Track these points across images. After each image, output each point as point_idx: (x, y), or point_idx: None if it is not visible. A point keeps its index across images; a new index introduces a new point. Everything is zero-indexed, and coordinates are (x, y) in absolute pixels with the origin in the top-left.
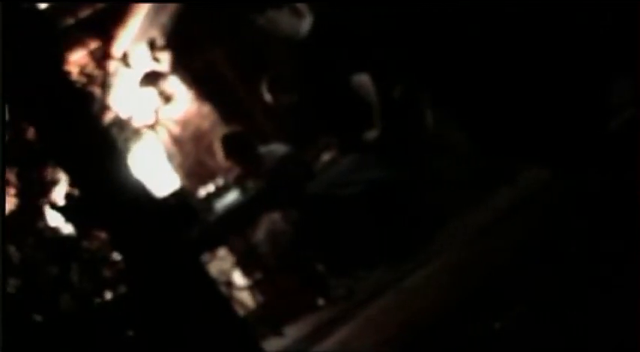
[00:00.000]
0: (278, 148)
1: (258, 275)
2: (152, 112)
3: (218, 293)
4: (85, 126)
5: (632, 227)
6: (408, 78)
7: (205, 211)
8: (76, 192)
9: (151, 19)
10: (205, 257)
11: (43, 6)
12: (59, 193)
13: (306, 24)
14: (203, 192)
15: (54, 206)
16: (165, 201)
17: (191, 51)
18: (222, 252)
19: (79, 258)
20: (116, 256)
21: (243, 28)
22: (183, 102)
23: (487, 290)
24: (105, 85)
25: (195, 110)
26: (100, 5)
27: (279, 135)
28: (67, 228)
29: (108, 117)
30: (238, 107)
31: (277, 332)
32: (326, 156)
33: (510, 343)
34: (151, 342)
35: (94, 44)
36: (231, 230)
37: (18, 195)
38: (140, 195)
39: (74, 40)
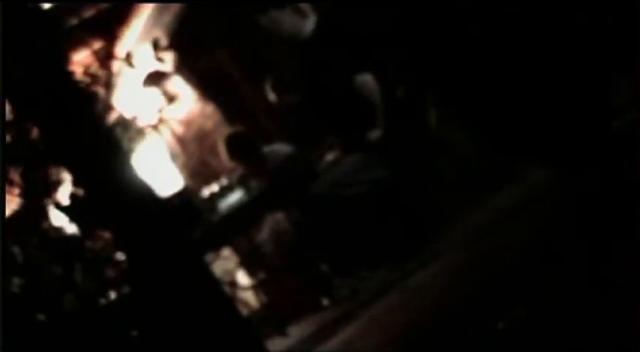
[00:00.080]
0: (282, 148)
1: (262, 275)
2: (156, 112)
3: (222, 293)
4: (89, 126)
5: (632, 227)
6: (411, 78)
7: (209, 211)
8: (80, 191)
9: (155, 19)
10: (209, 257)
11: (47, 6)
12: (63, 193)
13: (309, 24)
14: (207, 191)
15: (58, 206)
16: (169, 200)
17: (195, 51)
18: (226, 251)
19: (83, 257)
20: (120, 256)
21: (246, 28)
22: (186, 102)
23: (490, 290)
24: (109, 85)
25: (199, 110)
26: (103, 5)
27: (283, 135)
28: (71, 228)
29: (112, 117)
30: (242, 107)
31: (281, 332)
32: (329, 156)
33: (513, 343)
34: (154, 342)
35: (97, 44)
36: (234, 230)
37: (22, 194)
38: (144, 195)
39: (78, 40)
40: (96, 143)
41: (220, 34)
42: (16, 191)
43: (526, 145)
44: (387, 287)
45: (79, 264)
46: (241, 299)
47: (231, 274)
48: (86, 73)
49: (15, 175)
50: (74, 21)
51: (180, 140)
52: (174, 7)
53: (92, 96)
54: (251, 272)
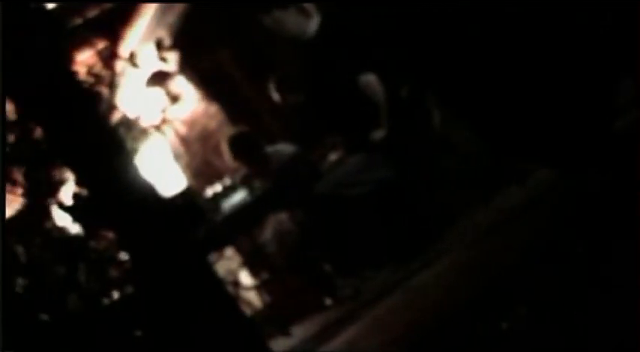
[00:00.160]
0: (285, 148)
1: (266, 275)
2: (159, 112)
3: (225, 293)
4: (93, 125)
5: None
6: (414, 78)
7: (212, 211)
8: (83, 191)
9: (158, 19)
10: (212, 257)
11: (50, 6)
12: (67, 193)
13: (313, 24)
14: (210, 191)
15: (61, 206)
16: (173, 200)
17: (198, 51)
18: (230, 251)
19: (87, 257)
20: (123, 256)
21: (250, 28)
22: (190, 102)
23: (494, 290)
24: (112, 85)
25: (203, 110)
26: (107, 5)
27: (286, 135)
28: (75, 228)
29: (115, 117)
30: (245, 107)
31: (284, 332)
32: (333, 156)
33: (516, 343)
34: (158, 342)
35: (101, 44)
36: (238, 230)
37: (25, 194)
38: (147, 195)
39: (82, 40)
40: (99, 143)
41: (224, 34)
42: (20, 191)
43: (529, 145)
44: (391, 287)
45: (83, 264)
46: (244, 299)
47: (234, 274)
48: (90, 72)
49: (18, 175)
50: (78, 21)
51: (184, 140)
52: (178, 7)
53: (96, 96)
54: (254, 272)
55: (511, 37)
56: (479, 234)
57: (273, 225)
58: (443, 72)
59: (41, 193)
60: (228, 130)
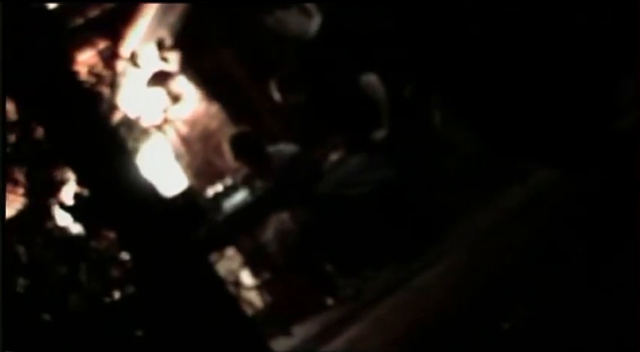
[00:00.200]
0: (286, 148)
1: (267, 275)
2: (160, 112)
3: (226, 293)
4: (94, 125)
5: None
6: (416, 78)
7: (213, 211)
8: (84, 191)
9: (160, 19)
10: (213, 256)
11: (51, 6)
12: (68, 193)
13: (314, 24)
14: (211, 191)
15: (63, 206)
16: (174, 200)
17: (199, 51)
18: (231, 251)
19: (88, 257)
20: (124, 256)
21: (251, 28)
22: (191, 102)
23: (495, 290)
24: (113, 85)
25: (204, 110)
26: (108, 5)
27: (288, 135)
28: (76, 228)
29: (116, 116)
30: (247, 107)
31: (286, 331)
32: (334, 156)
33: (517, 343)
34: (159, 342)
35: (102, 44)
36: (239, 229)
37: (27, 194)
38: (148, 194)
39: (83, 40)
40: (100, 143)
41: (225, 34)
42: (21, 191)
43: (529, 145)
44: (392, 287)
45: (84, 263)
46: (246, 299)
47: (235, 274)
48: (91, 72)
49: (20, 175)
50: (79, 21)
51: (185, 140)
52: (179, 7)
53: (97, 96)
54: (255, 272)
55: (511, 37)
56: (480, 234)
57: (275, 225)
58: (444, 72)
59: (42, 193)
60: (230, 130)
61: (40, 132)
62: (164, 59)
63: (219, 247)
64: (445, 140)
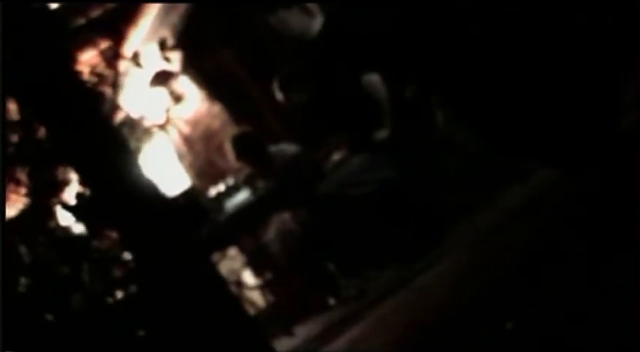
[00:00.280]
0: (288, 148)
1: (269, 275)
2: (163, 112)
3: (228, 293)
4: (96, 125)
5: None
6: (418, 78)
7: (215, 211)
8: (87, 191)
9: (162, 18)
10: (215, 256)
11: (54, 6)
12: (70, 193)
13: (316, 23)
14: (213, 191)
15: (65, 205)
16: (176, 200)
17: (201, 51)
18: (233, 251)
19: (90, 257)
20: (127, 256)
21: (253, 28)
22: (193, 101)
23: (497, 290)
24: (116, 85)
25: (206, 110)
26: (110, 5)
27: (290, 135)
28: (78, 228)
29: (119, 116)
30: (249, 107)
31: (288, 331)
32: (336, 156)
33: (518, 343)
34: (161, 342)
35: (104, 44)
36: (241, 229)
37: (29, 194)
38: (151, 194)
39: (85, 40)
40: (103, 143)
41: (227, 34)
42: (24, 191)
43: (531, 145)
44: (394, 287)
45: (86, 263)
46: (248, 298)
47: (237, 274)
48: (93, 72)
49: (22, 175)
50: (81, 21)
51: (187, 140)
52: (181, 7)
53: (99, 96)
54: (257, 272)
55: (512, 38)
56: (481, 234)
57: (277, 225)
58: (445, 72)
59: (45, 193)
60: (232, 130)
61: (42, 132)
62: (166, 59)
63: (222, 247)
64: (446, 140)
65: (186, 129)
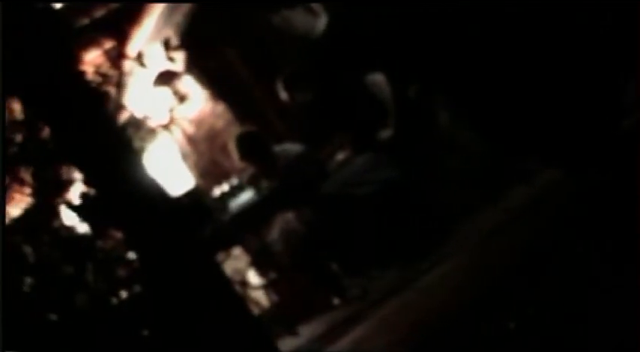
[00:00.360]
0: (292, 148)
1: (273, 275)
2: (167, 112)
3: (233, 293)
4: (100, 125)
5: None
6: (422, 78)
7: (219, 210)
8: (91, 191)
9: (166, 18)
10: (220, 256)
11: (57, 6)
12: (74, 192)
13: (321, 23)
14: (217, 191)
15: (69, 205)
16: (180, 200)
17: (205, 50)
18: (237, 251)
19: (94, 257)
20: (131, 255)
21: (257, 28)
22: (197, 101)
23: (500, 290)
24: (120, 85)
25: (210, 109)
26: (114, 5)
27: (293, 135)
28: (83, 228)
29: (123, 116)
30: (253, 106)
31: (292, 331)
32: (340, 156)
33: (521, 343)
34: (165, 342)
35: (108, 44)
36: (245, 229)
37: (33, 194)
38: (155, 194)
39: (89, 39)
40: (107, 142)
41: (231, 34)
42: (28, 190)
43: (535, 145)
44: (398, 287)
45: (91, 263)
46: (252, 298)
47: (241, 273)
48: (97, 72)
49: (26, 175)
50: (85, 21)
51: (191, 140)
52: (185, 7)
53: (103, 96)
54: (262, 272)
55: (513, 38)
56: (484, 235)
57: (281, 225)
58: (449, 72)
59: (49, 193)
60: (236, 130)
61: (46, 131)
62: (170, 59)
63: (226, 247)
64: (450, 140)
65: (190, 129)
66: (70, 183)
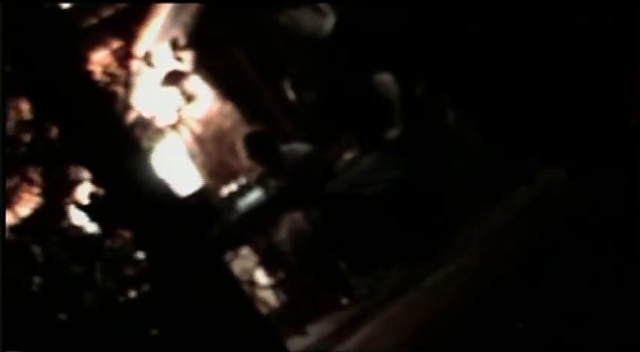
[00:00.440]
0: (300, 147)
1: (281, 274)
2: (174, 112)
3: (241, 292)
4: (108, 125)
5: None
6: (429, 78)
7: (227, 210)
8: (99, 191)
9: (173, 18)
10: (228, 256)
11: (65, 6)
12: (83, 192)
13: (328, 23)
14: (225, 191)
15: (78, 205)
16: (188, 200)
17: (213, 50)
18: (245, 250)
19: (103, 256)
20: (139, 255)
21: (264, 27)
22: (205, 101)
23: (506, 290)
24: (127, 85)
25: (217, 109)
26: (122, 5)
27: (301, 135)
28: (91, 227)
29: (131, 116)
30: (260, 106)
31: (300, 330)
32: (347, 155)
33: (526, 343)
34: (174, 341)
35: (116, 44)
36: (253, 229)
37: (42, 194)
38: (163, 194)
39: (97, 39)
40: (115, 142)
41: (238, 34)
42: (36, 190)
43: (540, 145)
44: (404, 287)
45: (99, 263)
46: (260, 298)
47: (249, 273)
48: (105, 72)
49: (35, 174)
50: (93, 21)
51: (199, 139)
52: (192, 7)
53: (111, 96)
54: (270, 271)
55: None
56: (490, 234)
57: (288, 225)
58: (455, 72)
59: (58, 192)
60: (243, 129)
61: (54, 131)
62: (178, 59)
63: (234, 246)
64: (456, 140)
65: (197, 129)
66: (78, 182)
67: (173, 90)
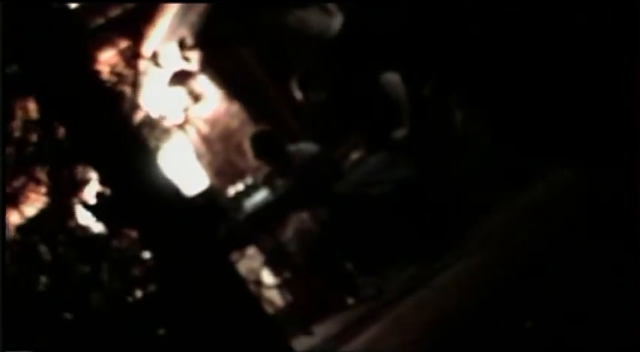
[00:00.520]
0: (307, 147)
1: (287, 274)
2: (181, 111)
3: (247, 292)
4: (115, 125)
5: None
6: (437, 77)
7: (234, 210)
8: (106, 191)
9: (181, 18)
10: (234, 255)
11: (73, 6)
12: (90, 192)
13: (336, 23)
14: (232, 190)
15: (85, 205)
16: (195, 200)
17: (220, 50)
18: (252, 250)
19: (110, 256)
20: (146, 255)
21: (272, 27)
22: (212, 101)
23: (515, 289)
24: (135, 85)
25: (225, 109)
26: (129, 5)
27: (308, 134)
28: (98, 227)
29: (138, 116)
30: (267, 106)
31: (306, 331)
32: (355, 155)
33: (532, 343)
34: (180, 341)
35: (123, 43)
36: (260, 229)
37: (49, 193)
38: (170, 194)
39: (104, 39)
40: (122, 142)
41: (246, 33)
42: (43, 190)
43: (549, 145)
44: (412, 287)
45: (106, 262)
46: (266, 298)
47: (256, 273)
48: (112, 72)
49: (42, 174)
50: (100, 21)
51: (206, 139)
52: (200, 7)
53: (118, 96)
54: (276, 271)
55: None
56: (500, 234)
57: (295, 224)
58: (464, 71)
59: (65, 192)
60: (250, 129)
61: (62, 131)
62: (185, 58)
63: (240, 246)
64: (464, 139)
65: (205, 129)
66: (85, 182)
67: (180, 90)
